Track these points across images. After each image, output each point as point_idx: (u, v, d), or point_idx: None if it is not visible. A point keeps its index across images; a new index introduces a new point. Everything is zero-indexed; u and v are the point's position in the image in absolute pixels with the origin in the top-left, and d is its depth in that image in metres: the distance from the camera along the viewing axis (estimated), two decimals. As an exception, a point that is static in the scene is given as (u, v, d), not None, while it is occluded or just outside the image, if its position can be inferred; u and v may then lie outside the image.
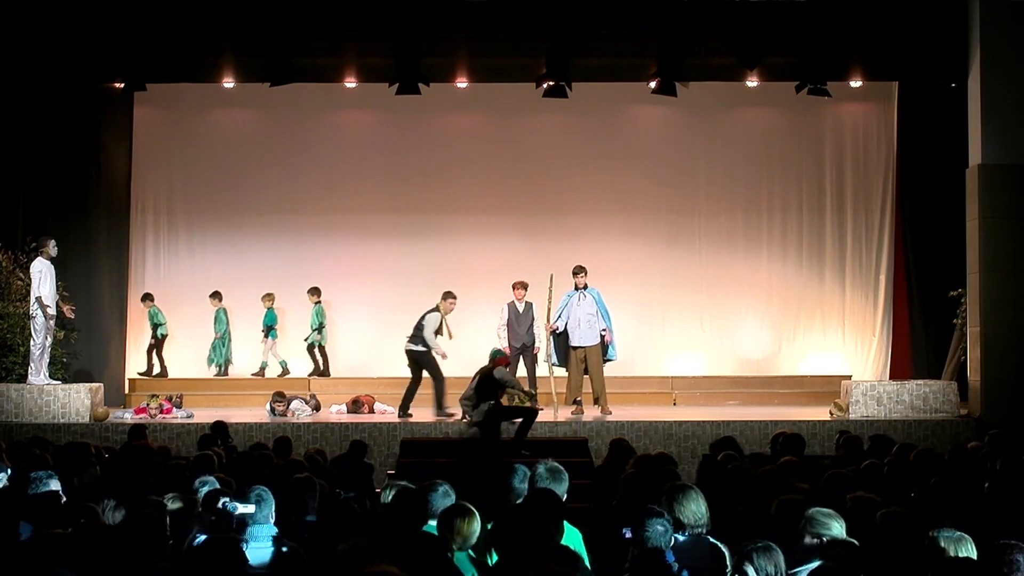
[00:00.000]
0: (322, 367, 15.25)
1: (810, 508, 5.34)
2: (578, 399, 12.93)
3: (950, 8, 12.90)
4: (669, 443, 11.54)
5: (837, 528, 5.20)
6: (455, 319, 15.36)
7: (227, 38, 13.14)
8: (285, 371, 15.18)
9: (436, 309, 12.95)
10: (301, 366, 15.41)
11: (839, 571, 4.61)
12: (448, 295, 13.10)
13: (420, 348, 12.76)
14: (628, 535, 5.19)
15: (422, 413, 12.64)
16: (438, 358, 12.79)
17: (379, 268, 15.65)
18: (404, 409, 12.74)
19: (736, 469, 7.23)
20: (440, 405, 12.63)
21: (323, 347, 15.30)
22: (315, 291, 15.30)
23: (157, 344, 15.14)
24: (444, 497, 5.79)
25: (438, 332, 12.88)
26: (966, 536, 4.97)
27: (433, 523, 5.57)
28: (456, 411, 12.24)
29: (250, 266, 15.66)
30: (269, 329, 15.28)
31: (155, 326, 15.12)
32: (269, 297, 15.28)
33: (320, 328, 15.23)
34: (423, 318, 12.84)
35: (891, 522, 5.46)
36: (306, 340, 15.21)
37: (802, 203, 15.80)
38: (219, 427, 10.46)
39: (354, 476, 8.69)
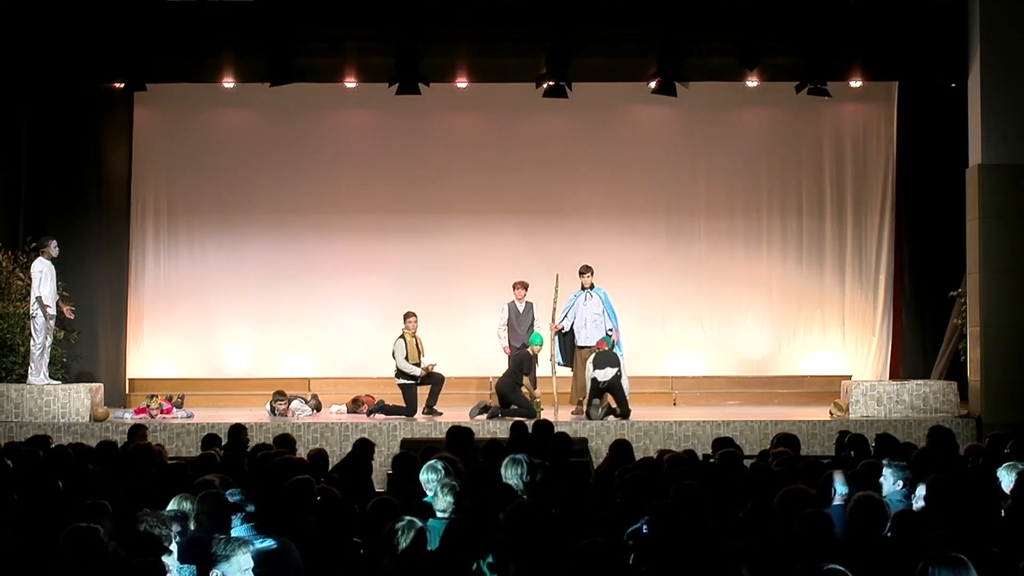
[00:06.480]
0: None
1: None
2: (581, 399, 12.91)
3: (950, 8, 12.90)
4: (669, 443, 11.53)
5: None
6: (456, 318, 15.34)
7: (227, 38, 13.13)
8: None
9: (401, 335, 12.93)
10: (298, 365, 15.42)
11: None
12: (407, 315, 13.09)
13: (404, 381, 12.83)
14: (645, 530, 5.21)
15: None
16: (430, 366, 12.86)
17: (379, 267, 15.63)
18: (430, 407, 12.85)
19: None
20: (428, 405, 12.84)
21: None
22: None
23: None
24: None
25: (417, 353, 12.86)
26: (963, 559, 4.78)
27: None
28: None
29: (250, 266, 15.65)
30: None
31: None
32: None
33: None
34: (393, 347, 12.90)
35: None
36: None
37: (802, 203, 15.77)
38: (236, 431, 9.68)
39: (355, 476, 8.51)
